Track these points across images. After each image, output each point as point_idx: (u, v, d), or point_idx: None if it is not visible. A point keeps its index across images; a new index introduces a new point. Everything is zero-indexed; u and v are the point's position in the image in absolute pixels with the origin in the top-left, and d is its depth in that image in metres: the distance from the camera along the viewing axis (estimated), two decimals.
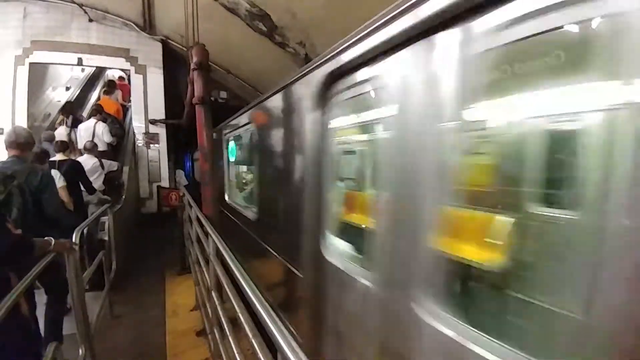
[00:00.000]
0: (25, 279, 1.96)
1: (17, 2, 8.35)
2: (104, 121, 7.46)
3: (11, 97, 8.35)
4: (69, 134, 7.42)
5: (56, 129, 7.60)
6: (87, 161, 5.75)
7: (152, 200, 9.51)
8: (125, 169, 7.85)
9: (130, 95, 9.61)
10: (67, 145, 5.27)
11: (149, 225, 8.65)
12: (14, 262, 2.22)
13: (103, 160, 6.25)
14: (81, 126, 7.29)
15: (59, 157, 4.97)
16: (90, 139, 6.65)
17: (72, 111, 8.13)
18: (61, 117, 8.16)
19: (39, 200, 3.03)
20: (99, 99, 9.74)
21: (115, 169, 6.72)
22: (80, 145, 6.58)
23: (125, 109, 9.77)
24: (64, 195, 4.09)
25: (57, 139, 5.99)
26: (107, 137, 7.27)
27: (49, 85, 10.26)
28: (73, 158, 5.19)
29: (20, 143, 3.08)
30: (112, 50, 9.11)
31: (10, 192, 2.79)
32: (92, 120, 7.28)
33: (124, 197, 6.68)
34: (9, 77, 8.34)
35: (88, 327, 2.84)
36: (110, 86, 9.58)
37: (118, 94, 9.72)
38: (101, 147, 6.82)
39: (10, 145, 3.06)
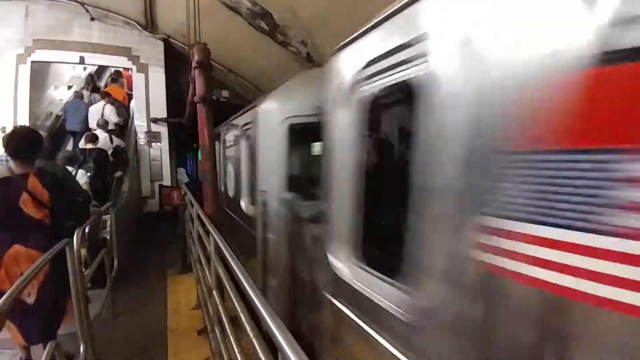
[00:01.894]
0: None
1: (19, 1, 8.36)
2: (112, 104, 8.33)
3: (13, 96, 8.39)
4: (90, 96, 9.40)
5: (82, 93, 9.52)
6: (99, 135, 6.72)
7: (153, 199, 9.51)
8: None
9: (132, 84, 9.90)
10: (97, 137, 6.49)
11: (151, 224, 8.66)
12: (78, 219, 3.21)
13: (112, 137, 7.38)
14: (92, 108, 8.29)
15: (89, 146, 6.19)
16: (100, 117, 7.66)
17: (92, 81, 10.25)
18: (85, 84, 10.38)
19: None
20: (106, 86, 10.48)
21: (122, 145, 7.72)
22: (92, 124, 7.76)
23: (129, 97, 10.18)
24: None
25: (84, 98, 9.10)
26: (114, 118, 8.14)
27: (51, 84, 10.29)
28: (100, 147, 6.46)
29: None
30: (114, 49, 9.14)
31: None
32: (102, 103, 8.24)
33: (126, 196, 6.72)
34: (10, 76, 8.38)
35: (89, 325, 2.84)
36: (117, 75, 10.21)
37: (123, 82, 10.30)
38: (109, 127, 7.73)
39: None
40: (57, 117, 9.51)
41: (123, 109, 9.10)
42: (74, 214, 3.21)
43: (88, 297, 3.03)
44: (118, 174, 6.86)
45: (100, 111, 7.98)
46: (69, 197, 3.18)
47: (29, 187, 2.72)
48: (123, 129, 8.93)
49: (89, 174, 5.49)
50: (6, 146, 2.85)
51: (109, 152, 6.77)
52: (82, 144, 6.52)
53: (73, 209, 3.21)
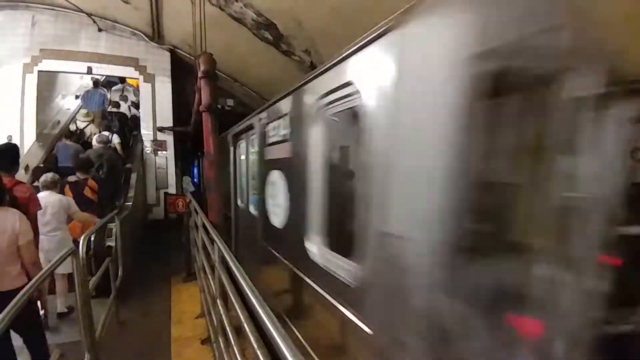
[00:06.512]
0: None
1: (26, 10, 8.48)
2: (129, 87, 10.54)
3: (20, 105, 8.46)
4: None
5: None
6: (121, 104, 9.77)
7: (159, 206, 9.55)
8: (134, 175, 8.00)
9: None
10: (119, 104, 9.78)
11: (156, 232, 8.67)
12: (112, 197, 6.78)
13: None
14: (113, 88, 10.39)
15: (114, 110, 9.52)
16: (120, 93, 10.15)
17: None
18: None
19: (112, 166, 6.90)
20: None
21: (138, 114, 10.16)
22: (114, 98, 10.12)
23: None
24: (119, 147, 8.45)
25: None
26: (130, 96, 10.40)
27: (59, 93, 10.40)
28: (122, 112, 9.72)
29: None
30: (121, 59, 9.26)
31: (102, 162, 6.56)
32: (120, 85, 10.36)
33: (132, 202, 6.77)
34: (17, 85, 8.45)
35: (93, 334, 2.83)
36: None
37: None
38: (127, 103, 10.21)
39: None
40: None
41: (137, 91, 10.72)
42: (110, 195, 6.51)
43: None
44: (135, 132, 10.04)
45: (120, 91, 10.26)
46: (109, 189, 6.46)
47: (88, 184, 5.22)
48: (137, 106, 10.65)
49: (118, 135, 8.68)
50: (76, 165, 5.51)
51: (129, 117, 9.93)
52: (109, 109, 9.63)
53: (110, 193, 6.56)
